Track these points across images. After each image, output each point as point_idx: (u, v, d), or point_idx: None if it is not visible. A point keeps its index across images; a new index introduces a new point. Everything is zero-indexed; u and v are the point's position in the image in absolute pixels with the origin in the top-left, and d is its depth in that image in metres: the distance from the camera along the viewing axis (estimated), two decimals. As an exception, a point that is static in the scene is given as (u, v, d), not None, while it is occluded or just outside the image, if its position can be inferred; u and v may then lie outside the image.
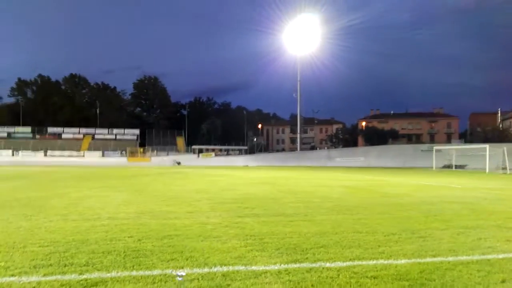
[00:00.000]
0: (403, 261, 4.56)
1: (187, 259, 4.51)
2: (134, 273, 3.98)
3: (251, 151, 78.98)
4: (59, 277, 3.83)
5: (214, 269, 4.15)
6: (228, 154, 72.35)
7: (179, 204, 9.42)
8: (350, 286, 3.70)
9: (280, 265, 4.33)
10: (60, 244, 5.15)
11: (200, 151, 71.73)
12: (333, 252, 4.93)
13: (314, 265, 4.36)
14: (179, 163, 53.26)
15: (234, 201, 10.07)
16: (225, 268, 4.19)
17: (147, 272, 4.00)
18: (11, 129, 73.04)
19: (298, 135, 65.25)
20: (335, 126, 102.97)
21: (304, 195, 12.13)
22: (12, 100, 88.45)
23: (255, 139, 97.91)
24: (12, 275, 3.86)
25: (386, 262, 4.52)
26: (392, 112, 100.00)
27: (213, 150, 74.58)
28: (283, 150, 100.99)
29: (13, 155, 62.05)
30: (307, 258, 4.64)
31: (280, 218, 7.51)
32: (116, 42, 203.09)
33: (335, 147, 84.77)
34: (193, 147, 74.19)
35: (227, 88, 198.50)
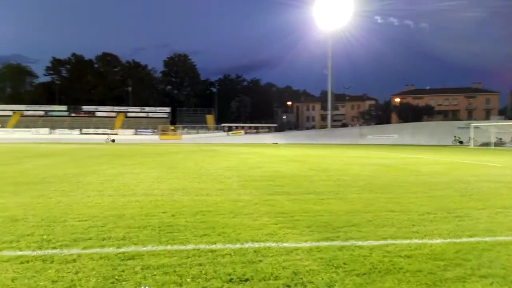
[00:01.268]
0: (438, 241, 4.47)
1: (219, 235, 4.60)
2: (169, 247, 4.11)
3: (280, 128, 78.79)
4: (98, 250, 4.00)
5: (246, 245, 4.21)
6: (257, 132, 72.53)
7: (210, 181, 9.56)
8: (383, 264, 3.67)
9: (311, 242, 4.34)
10: (98, 219, 5.36)
11: (230, 128, 72.23)
12: (365, 230, 4.89)
13: (345, 243, 4.34)
14: (113, 141, 52.38)
15: (264, 179, 10.12)
16: (256, 245, 4.24)
17: (181, 247, 4.11)
18: (48, 108, 75.58)
19: (329, 112, 64.42)
20: (367, 103, 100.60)
21: (335, 173, 12.03)
22: (48, 79, 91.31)
23: (284, 117, 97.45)
24: (54, 248, 4.06)
25: (420, 241, 4.45)
26: (428, 87, 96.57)
27: (242, 127, 74.93)
28: (313, 127, 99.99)
29: (50, 133, 64.65)
30: (338, 236, 4.62)
31: (310, 196, 7.49)
32: (145, 19, 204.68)
33: (368, 124, 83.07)
34: (223, 124, 74.76)
35: (256, 64, 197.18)
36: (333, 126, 69.32)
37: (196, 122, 73.55)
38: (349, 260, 3.79)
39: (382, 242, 4.41)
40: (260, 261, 3.74)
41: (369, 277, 3.37)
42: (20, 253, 3.88)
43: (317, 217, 5.58)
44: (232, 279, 3.29)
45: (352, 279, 3.33)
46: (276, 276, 3.36)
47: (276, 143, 50.96)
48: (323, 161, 17.40)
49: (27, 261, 3.64)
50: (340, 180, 10.00)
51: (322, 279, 3.32)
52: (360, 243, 4.36)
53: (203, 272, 3.44)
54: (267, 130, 75.18)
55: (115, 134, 66.36)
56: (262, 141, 55.53)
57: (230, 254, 3.91)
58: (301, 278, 3.32)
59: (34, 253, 3.87)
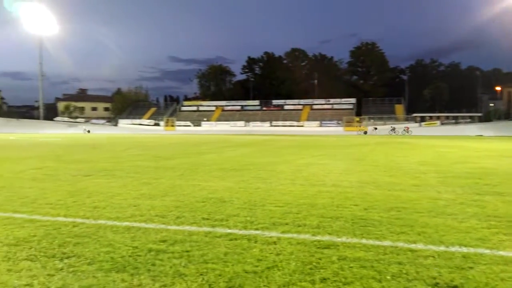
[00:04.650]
0: None
1: (419, 234, 4.22)
2: (363, 241, 3.99)
3: (486, 118, 68.06)
4: (295, 235, 4.19)
5: (452, 249, 3.74)
6: (456, 123, 64.65)
7: (403, 176, 8.96)
8: None
9: (540, 255, 3.54)
10: (293, 206, 5.63)
11: (422, 119, 66.73)
12: None
13: None
14: (89, 131, 53.90)
15: (469, 176, 8.85)
16: (464, 249, 3.73)
17: (377, 242, 3.94)
18: (243, 103, 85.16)
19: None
20: None
21: None
22: (244, 77, 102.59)
23: (491, 104, 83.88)
24: (257, 229, 4.44)
25: None
26: None
27: (438, 118, 68.22)
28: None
29: (245, 125, 73.01)
30: None
31: (534, 199, 6.16)
32: (331, 11, 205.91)
33: None
34: (414, 115, 69.50)
35: (455, 46, 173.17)
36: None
37: (383, 113, 70.50)
38: None
39: None
40: (471, 268, 3.27)
41: None
42: (229, 231, 4.38)
43: (545, 225, 4.54)
44: (438, 283, 2.96)
45: None
46: (492, 287, 2.87)
47: (481, 136, 44.43)
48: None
49: (235, 239, 4.07)
50: None
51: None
52: None
53: (404, 271, 3.20)
54: (469, 120, 66.14)
55: (301, 126, 69.69)
56: (463, 132, 49.21)
57: (433, 256, 3.54)
58: (528, 296, 2.74)
59: (240, 232, 4.31)
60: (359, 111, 74.68)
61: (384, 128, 55.47)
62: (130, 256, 3.55)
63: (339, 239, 4.03)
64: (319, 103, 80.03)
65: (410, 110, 74.14)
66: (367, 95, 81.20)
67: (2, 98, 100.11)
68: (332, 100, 79.47)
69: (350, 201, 5.97)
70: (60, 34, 79.17)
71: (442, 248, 3.77)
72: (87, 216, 5.03)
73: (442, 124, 63.45)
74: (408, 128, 51.62)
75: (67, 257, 3.50)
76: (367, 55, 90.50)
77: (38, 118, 76.42)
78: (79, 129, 64.04)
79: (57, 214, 5.12)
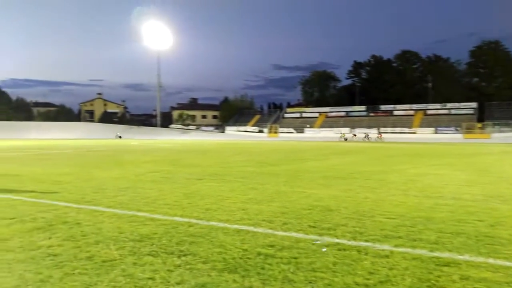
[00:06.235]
0: None
1: (561, 258, 3.62)
2: (490, 260, 3.57)
3: None
4: (409, 250, 3.91)
5: None
6: None
7: (538, 189, 7.79)
8: None
9: None
10: (406, 218, 5.28)
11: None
12: None
13: None
14: (120, 137, 52.71)
15: None
16: None
17: (507, 263, 3.50)
18: (349, 108, 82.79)
19: None
20: None
21: None
22: (349, 82, 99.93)
23: None
24: (367, 241, 4.25)
25: None
26: None
27: None
28: None
29: (349, 132, 70.66)
30: None
31: None
32: (446, 10, 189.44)
33: None
34: (549, 120, 60.12)
35: None
36: None
37: (511, 119, 62.44)
38: None
39: None
40: None
41: None
42: (337, 240, 4.28)
43: None
44: None
45: None
46: None
47: None
48: None
49: (344, 249, 3.96)
50: None
51: None
52: None
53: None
54: None
55: (413, 132, 65.15)
56: None
57: None
58: None
59: (349, 243, 4.17)
60: (481, 116, 67.15)
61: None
62: (240, 258, 3.69)
63: (461, 257, 3.67)
64: (434, 107, 73.87)
65: (545, 115, 64.28)
66: (490, 98, 72.60)
67: (126, 108, 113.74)
68: (449, 105, 72.68)
69: (473, 216, 5.39)
70: (175, 48, 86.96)
71: None
72: (200, 217, 5.37)
73: None
74: (381, 135, 52.09)
75: (184, 255, 3.78)
76: (490, 55, 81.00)
77: (155, 126, 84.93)
78: (191, 136, 69.26)
79: (174, 214, 5.57)
